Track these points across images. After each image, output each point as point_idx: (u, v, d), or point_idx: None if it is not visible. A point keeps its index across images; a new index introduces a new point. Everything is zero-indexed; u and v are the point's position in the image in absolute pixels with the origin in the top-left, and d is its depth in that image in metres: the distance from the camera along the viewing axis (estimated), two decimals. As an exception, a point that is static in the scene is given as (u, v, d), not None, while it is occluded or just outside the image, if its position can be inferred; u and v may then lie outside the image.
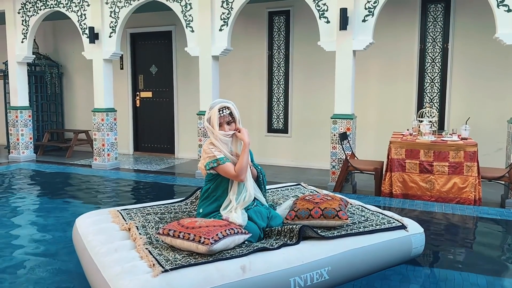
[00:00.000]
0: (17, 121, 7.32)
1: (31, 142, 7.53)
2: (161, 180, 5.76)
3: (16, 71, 7.27)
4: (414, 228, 2.64)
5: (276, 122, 7.01)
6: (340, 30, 5.01)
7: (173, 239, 2.21)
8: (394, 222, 2.61)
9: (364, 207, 2.95)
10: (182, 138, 7.72)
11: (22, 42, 7.16)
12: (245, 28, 6.96)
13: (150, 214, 2.93)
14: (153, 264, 2.04)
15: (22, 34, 7.13)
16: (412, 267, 2.83)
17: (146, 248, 2.24)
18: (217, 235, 2.12)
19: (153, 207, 3.08)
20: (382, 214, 2.76)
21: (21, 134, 7.37)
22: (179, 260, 2.09)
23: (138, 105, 8.08)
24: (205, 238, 2.09)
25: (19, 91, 7.33)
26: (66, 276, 2.74)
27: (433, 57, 6.00)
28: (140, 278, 1.93)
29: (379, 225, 2.58)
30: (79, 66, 8.33)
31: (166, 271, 1.96)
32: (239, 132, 2.63)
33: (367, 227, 2.54)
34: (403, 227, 2.59)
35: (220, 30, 5.75)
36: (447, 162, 4.39)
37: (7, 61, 7.45)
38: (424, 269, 2.89)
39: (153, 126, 8.04)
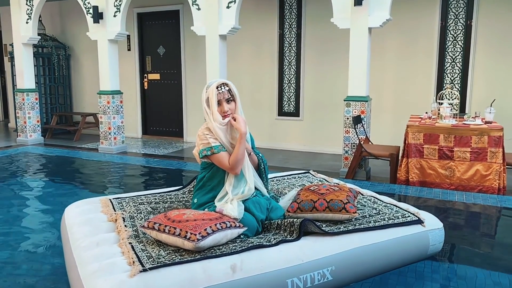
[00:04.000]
0: (23, 104, 7.19)
1: (38, 125, 7.41)
2: (166, 165, 5.56)
3: (22, 52, 7.11)
4: (432, 223, 2.35)
5: (287, 105, 6.71)
6: (354, 5, 4.66)
7: (159, 233, 1.98)
8: (409, 216, 2.33)
9: (376, 198, 2.66)
10: (191, 122, 7.51)
11: (26, 23, 6.97)
12: (255, 5, 6.62)
13: (143, 204, 2.71)
14: (133, 262, 1.82)
15: (27, 14, 6.94)
16: (429, 263, 2.57)
17: (130, 243, 2.02)
18: (205, 230, 1.88)
19: (148, 196, 2.86)
20: (396, 206, 2.48)
21: (28, 117, 7.24)
22: (163, 257, 1.87)
23: (146, 88, 7.87)
24: (191, 233, 1.86)
25: (25, 73, 7.17)
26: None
27: (455, 35, 5.59)
28: (116, 278, 1.71)
29: (392, 219, 2.30)
30: (86, 47, 8.13)
31: (145, 270, 1.74)
32: (235, 120, 2.35)
33: (378, 221, 2.26)
34: (419, 221, 2.30)
35: (228, 7, 5.45)
36: (469, 148, 4.06)
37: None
38: (442, 264, 2.63)
39: (162, 109, 7.84)
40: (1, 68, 10.16)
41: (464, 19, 5.53)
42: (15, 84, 7.82)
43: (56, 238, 3.00)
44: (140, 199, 2.79)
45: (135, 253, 1.91)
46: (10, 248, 2.91)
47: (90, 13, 6.33)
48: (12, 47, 7.47)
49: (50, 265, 2.64)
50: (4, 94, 10.17)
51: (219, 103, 2.37)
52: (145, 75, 7.84)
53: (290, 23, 6.51)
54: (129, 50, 7.80)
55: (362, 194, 2.73)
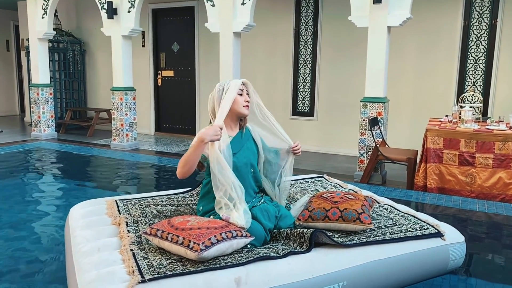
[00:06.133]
0: (38, 99, 7.21)
1: (52, 120, 7.41)
2: (177, 164, 5.46)
3: (37, 47, 7.13)
4: (453, 237, 2.19)
5: (301, 105, 6.57)
6: (373, 3, 4.51)
7: (161, 240, 1.88)
8: (428, 228, 2.17)
9: (393, 207, 2.51)
10: (204, 119, 7.42)
11: (42, 18, 6.97)
12: (271, 3, 6.49)
13: (149, 206, 2.61)
14: (133, 271, 1.72)
15: (43, 9, 6.94)
16: (447, 278, 2.43)
17: (131, 250, 1.93)
18: (209, 239, 1.77)
19: (154, 198, 2.77)
20: (414, 217, 2.32)
21: (43, 112, 7.25)
22: (164, 267, 1.76)
23: (160, 84, 7.82)
24: (194, 243, 1.75)
25: (40, 68, 7.19)
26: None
27: (479, 35, 5.37)
28: (114, 289, 1.62)
29: (410, 231, 2.15)
30: (101, 43, 8.12)
31: (143, 281, 1.64)
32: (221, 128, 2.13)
33: (395, 233, 2.12)
34: (439, 234, 2.15)
35: (243, 4, 5.33)
36: (492, 154, 3.87)
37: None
38: (460, 279, 2.49)
39: (175, 106, 7.77)
40: (19, 63, 10.24)
41: (488, 19, 5.31)
42: (31, 78, 7.85)
43: (61, 238, 2.94)
44: (147, 201, 2.69)
45: (136, 261, 1.81)
46: (15, 246, 2.86)
47: (104, 9, 6.29)
48: (29, 41, 7.49)
49: (53, 267, 2.58)
50: (21, 89, 10.25)
51: (241, 93, 2.25)
52: (159, 71, 7.78)
53: (307, 20, 6.35)
54: (143, 46, 7.75)
55: (378, 203, 2.59)
